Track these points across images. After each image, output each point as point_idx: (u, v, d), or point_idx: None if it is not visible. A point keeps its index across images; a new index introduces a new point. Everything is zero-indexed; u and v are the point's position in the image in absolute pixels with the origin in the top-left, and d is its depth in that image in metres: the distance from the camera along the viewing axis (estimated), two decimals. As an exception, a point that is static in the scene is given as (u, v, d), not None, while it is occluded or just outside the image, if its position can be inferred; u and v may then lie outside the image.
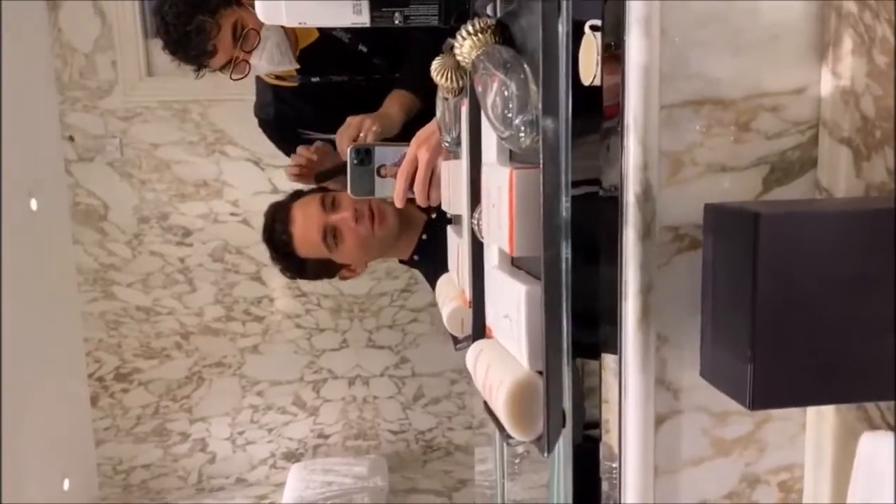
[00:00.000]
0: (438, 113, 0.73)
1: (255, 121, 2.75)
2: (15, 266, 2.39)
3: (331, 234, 1.47)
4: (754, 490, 0.60)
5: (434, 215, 1.46)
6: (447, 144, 0.74)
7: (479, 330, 0.58)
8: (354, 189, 1.04)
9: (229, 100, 2.76)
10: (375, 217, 1.45)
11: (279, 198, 2.85)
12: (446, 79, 0.59)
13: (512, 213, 0.42)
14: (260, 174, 2.83)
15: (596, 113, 0.57)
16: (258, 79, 1.82)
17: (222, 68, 1.60)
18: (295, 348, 2.98)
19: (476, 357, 0.51)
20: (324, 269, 1.58)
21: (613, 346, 0.57)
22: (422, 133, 0.94)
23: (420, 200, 0.94)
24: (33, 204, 2.57)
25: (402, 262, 1.63)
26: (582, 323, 0.56)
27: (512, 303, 0.44)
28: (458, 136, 0.68)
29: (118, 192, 2.80)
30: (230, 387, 2.98)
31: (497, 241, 0.46)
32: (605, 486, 0.64)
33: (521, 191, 0.42)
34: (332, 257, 1.52)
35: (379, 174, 1.02)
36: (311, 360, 3.00)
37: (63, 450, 2.73)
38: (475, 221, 0.57)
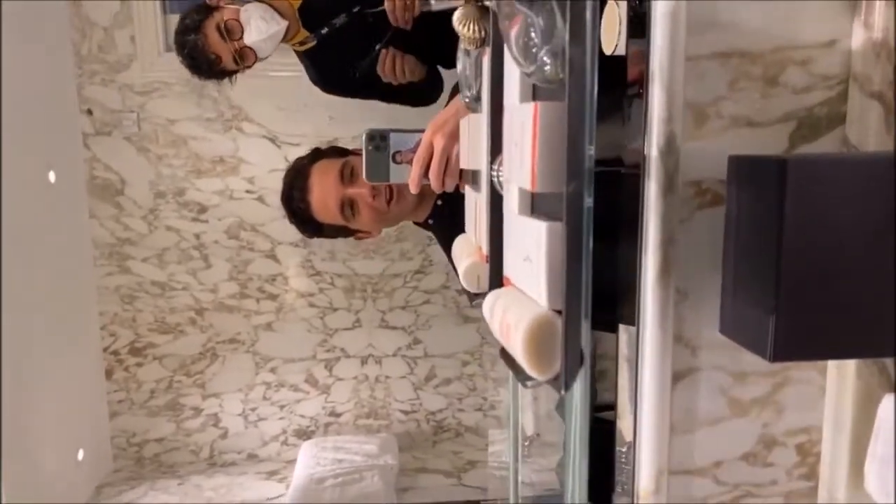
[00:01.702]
0: (459, 67, 0.73)
1: (272, 98, 2.81)
2: (32, 238, 2.41)
3: (348, 206, 1.48)
4: (771, 451, 0.60)
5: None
6: (467, 101, 0.73)
7: (497, 281, 0.57)
8: (370, 174, 1.04)
9: (246, 76, 2.76)
10: (393, 194, 1.46)
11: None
12: (469, 29, 0.58)
13: (535, 145, 0.42)
14: (276, 151, 2.83)
15: (618, 84, 0.56)
16: (297, 55, 2.00)
17: (237, 64, 1.82)
18: (308, 327, 2.99)
19: (493, 303, 0.51)
20: (341, 231, 1.59)
21: (631, 317, 0.57)
22: (437, 119, 0.93)
23: (435, 187, 0.93)
24: (51, 176, 2.59)
25: (416, 223, 1.63)
26: (599, 300, 0.56)
27: (532, 243, 0.44)
28: (479, 92, 0.67)
29: (135, 167, 2.81)
30: (243, 363, 3.00)
31: (518, 181, 0.46)
32: (618, 469, 0.63)
33: (545, 122, 0.41)
34: (349, 226, 1.53)
35: (394, 160, 1.02)
36: (323, 339, 3.01)
37: (78, 421, 2.76)
38: (495, 172, 0.56)
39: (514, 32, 0.44)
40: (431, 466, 2.91)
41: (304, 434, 3.05)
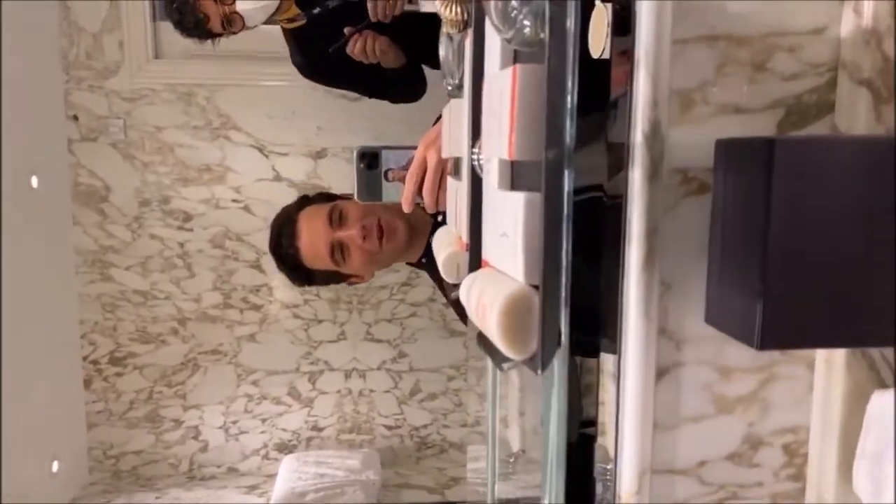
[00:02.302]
0: (442, 54, 0.71)
1: (261, 107, 2.79)
2: (13, 244, 2.37)
3: (338, 250, 1.46)
4: (757, 452, 0.58)
5: (441, 218, 1.47)
6: (450, 89, 0.72)
7: (476, 266, 0.55)
8: (362, 194, 1.02)
9: (235, 85, 2.75)
10: (385, 233, 1.43)
11: (281, 186, 2.84)
12: (451, 11, 0.57)
13: (513, 109, 0.40)
14: (263, 161, 2.81)
15: (600, 107, 0.54)
16: (283, 33, 1.98)
17: (224, 28, 1.78)
18: (292, 338, 2.96)
19: (470, 286, 0.49)
20: (332, 277, 1.56)
21: (612, 346, 0.55)
22: (430, 134, 0.91)
23: (429, 204, 0.91)
24: (34, 181, 2.55)
25: (410, 264, 1.61)
26: (581, 323, 0.54)
27: (510, 217, 0.42)
28: (461, 80, 0.66)
29: (120, 174, 2.78)
30: (225, 375, 2.95)
31: (497, 153, 0.44)
32: (598, 487, 0.61)
33: (523, 84, 0.40)
34: (340, 270, 1.51)
35: (386, 178, 1.00)
36: (307, 351, 2.97)
37: (54, 431, 2.70)
38: (475, 155, 0.54)
39: (493, 2, 0.43)
40: (414, 482, 2.87)
41: (285, 448, 3.00)
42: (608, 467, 0.59)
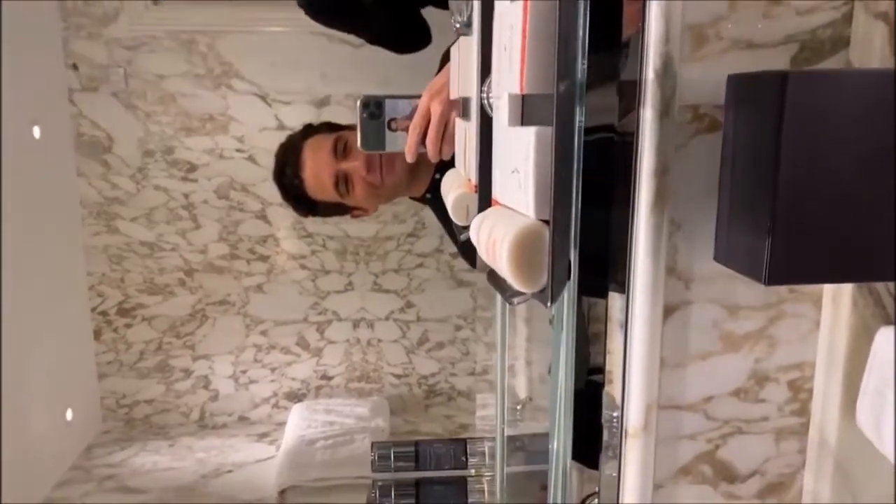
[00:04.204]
0: (450, -9, 0.70)
1: (264, 54, 2.73)
2: (18, 196, 2.37)
3: (342, 182, 1.46)
4: (763, 387, 0.59)
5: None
6: (458, 27, 0.71)
7: (485, 205, 0.55)
8: (365, 143, 1.01)
9: (237, 31, 2.71)
10: (384, 166, 1.43)
11: (285, 135, 2.82)
12: (459, -55, 0.56)
13: (524, 43, 0.39)
14: (267, 110, 2.79)
15: (612, 46, 0.53)
16: None
17: None
18: (300, 289, 2.98)
19: (480, 224, 0.49)
20: (336, 209, 1.57)
21: (621, 285, 0.55)
22: (434, 84, 0.90)
23: (432, 155, 0.91)
24: (36, 132, 2.54)
25: (413, 198, 1.61)
26: (590, 265, 0.54)
27: (521, 153, 0.42)
28: (470, 17, 0.65)
29: (123, 124, 2.76)
30: (234, 325, 2.99)
31: (507, 87, 0.44)
32: (605, 434, 0.62)
33: (535, 18, 0.39)
34: (344, 202, 1.51)
35: (390, 128, 0.99)
36: (315, 302, 2.99)
37: (66, 381, 2.75)
38: (485, 94, 0.54)
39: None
40: (423, 430, 2.92)
41: (295, 397, 3.05)
42: (615, 414, 0.60)
